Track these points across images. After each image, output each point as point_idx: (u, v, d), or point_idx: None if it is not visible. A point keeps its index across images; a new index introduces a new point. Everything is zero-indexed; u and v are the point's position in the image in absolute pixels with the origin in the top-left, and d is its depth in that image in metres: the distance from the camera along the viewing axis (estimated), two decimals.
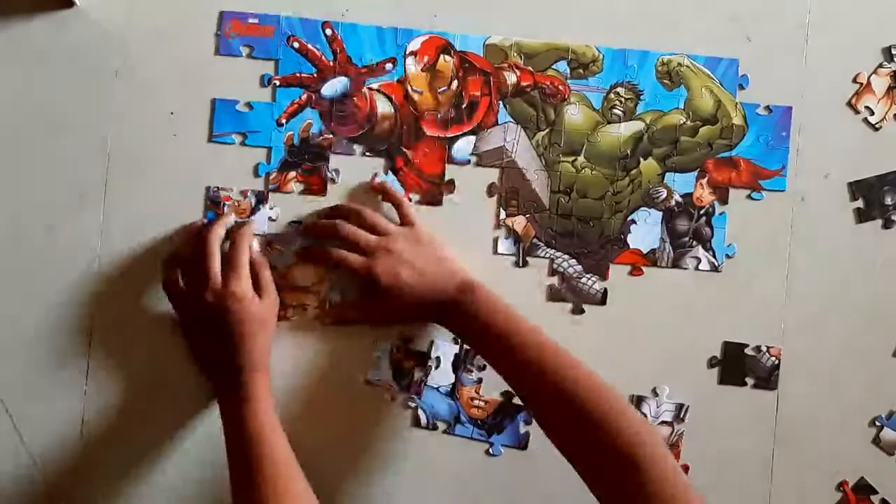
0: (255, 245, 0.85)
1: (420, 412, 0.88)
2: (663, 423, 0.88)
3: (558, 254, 0.89)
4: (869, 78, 0.90)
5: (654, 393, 0.88)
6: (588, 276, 0.89)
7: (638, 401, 0.88)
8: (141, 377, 0.86)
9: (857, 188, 0.90)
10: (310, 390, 0.87)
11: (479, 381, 0.88)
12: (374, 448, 0.88)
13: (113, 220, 0.86)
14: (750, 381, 0.89)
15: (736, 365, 0.89)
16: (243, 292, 0.80)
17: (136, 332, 0.86)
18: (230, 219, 0.85)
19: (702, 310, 0.89)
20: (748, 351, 0.89)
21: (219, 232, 0.83)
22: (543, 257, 0.89)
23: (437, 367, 0.88)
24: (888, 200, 0.90)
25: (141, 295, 0.86)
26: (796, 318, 0.89)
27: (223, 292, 0.79)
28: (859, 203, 0.90)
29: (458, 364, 0.88)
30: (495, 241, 0.88)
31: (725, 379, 0.89)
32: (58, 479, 0.86)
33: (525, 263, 0.89)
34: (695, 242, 0.89)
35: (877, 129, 0.90)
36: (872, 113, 0.90)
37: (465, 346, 0.87)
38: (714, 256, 0.89)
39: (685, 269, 0.89)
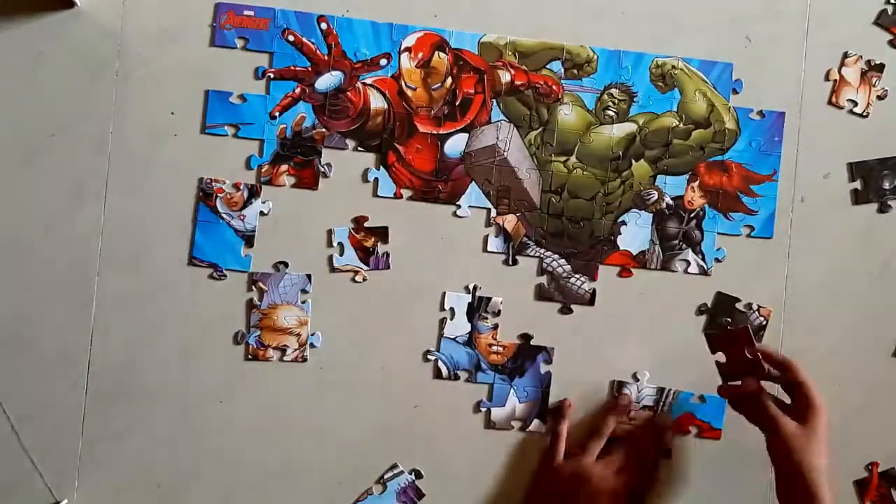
0: None
1: (441, 364, 0.88)
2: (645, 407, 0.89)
3: (548, 253, 0.89)
4: (840, 71, 0.90)
5: (635, 378, 0.89)
6: (577, 276, 0.89)
7: (619, 386, 0.89)
8: (141, 376, 0.87)
9: (857, 169, 0.90)
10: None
11: (496, 326, 0.88)
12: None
13: (113, 219, 0.87)
14: None
15: (723, 316, 0.89)
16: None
17: (135, 330, 0.87)
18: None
19: (690, 313, 0.89)
20: (739, 306, 0.89)
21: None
22: (533, 256, 0.89)
23: (451, 319, 0.88)
24: (886, 185, 0.90)
25: (141, 294, 0.87)
26: (796, 318, 0.90)
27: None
28: (857, 184, 0.90)
29: (472, 313, 0.88)
30: (485, 238, 0.89)
31: (712, 327, 0.89)
32: (58, 478, 0.86)
33: (515, 262, 0.89)
34: (684, 245, 0.90)
35: (865, 117, 0.91)
36: (856, 104, 0.91)
37: (478, 294, 0.88)
38: (703, 260, 0.89)
39: (674, 271, 0.89)
